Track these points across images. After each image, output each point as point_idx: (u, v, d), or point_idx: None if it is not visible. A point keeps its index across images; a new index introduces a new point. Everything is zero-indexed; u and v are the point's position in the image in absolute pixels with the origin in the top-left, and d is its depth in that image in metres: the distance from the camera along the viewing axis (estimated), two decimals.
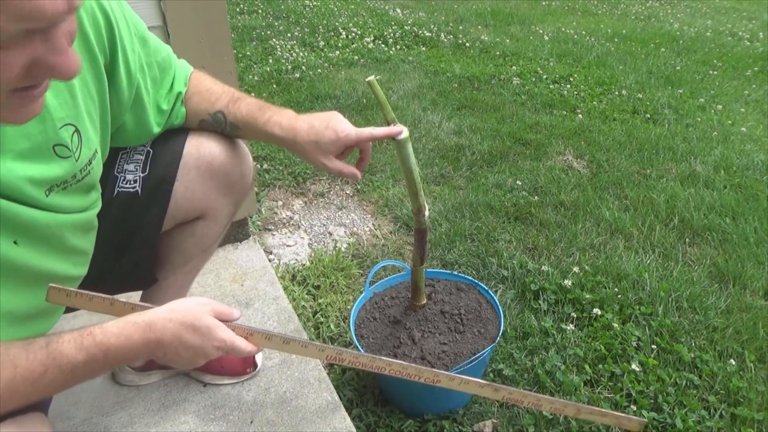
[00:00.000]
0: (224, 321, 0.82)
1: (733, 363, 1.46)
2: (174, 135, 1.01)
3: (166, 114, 0.97)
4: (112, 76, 0.83)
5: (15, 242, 0.69)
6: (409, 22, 5.00)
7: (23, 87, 0.54)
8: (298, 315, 1.55)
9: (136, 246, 1.02)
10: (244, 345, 0.83)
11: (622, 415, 0.95)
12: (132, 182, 0.98)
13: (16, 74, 0.52)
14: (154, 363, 1.27)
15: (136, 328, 0.74)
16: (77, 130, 0.75)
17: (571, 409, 0.94)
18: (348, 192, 2.31)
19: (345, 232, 2.06)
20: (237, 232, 1.80)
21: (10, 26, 0.48)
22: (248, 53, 3.94)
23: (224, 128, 1.03)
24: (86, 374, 0.72)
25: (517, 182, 2.35)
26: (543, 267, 1.79)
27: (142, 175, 0.98)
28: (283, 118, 0.99)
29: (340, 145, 0.99)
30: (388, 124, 1.02)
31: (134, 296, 1.24)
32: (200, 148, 1.01)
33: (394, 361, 0.89)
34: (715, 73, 4.01)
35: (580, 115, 3.13)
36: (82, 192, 0.81)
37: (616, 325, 1.56)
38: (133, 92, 0.88)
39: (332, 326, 1.58)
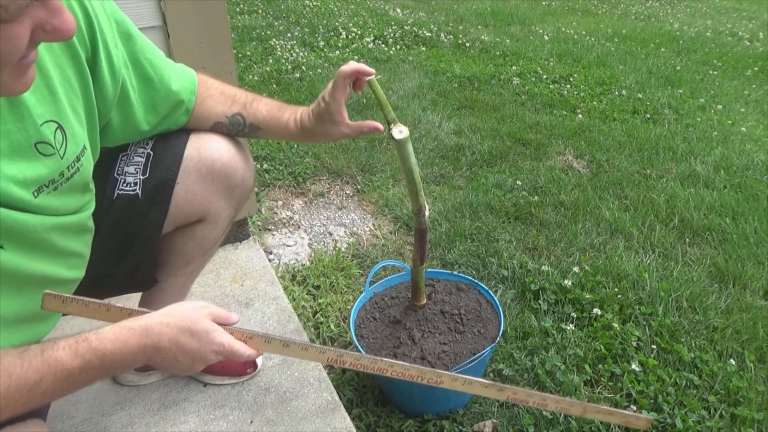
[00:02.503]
0: (222, 325, 0.81)
1: (733, 363, 1.46)
2: (174, 137, 1.01)
3: (161, 115, 0.96)
4: (94, 71, 0.82)
5: (1, 246, 0.68)
6: (409, 22, 5.00)
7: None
8: (298, 315, 1.55)
9: (137, 248, 1.02)
10: (243, 349, 0.82)
11: (630, 413, 0.94)
12: (132, 185, 0.98)
13: (25, 44, 0.53)
14: None
15: (132, 333, 0.73)
16: (60, 127, 0.74)
17: (578, 408, 0.93)
18: (348, 192, 2.31)
19: (345, 232, 2.06)
20: (237, 232, 1.80)
21: None
22: (248, 53, 3.94)
23: (242, 129, 1.05)
24: (83, 381, 0.71)
25: (517, 182, 2.35)
26: (543, 267, 1.79)
27: (142, 177, 0.98)
28: (297, 114, 1.05)
29: (336, 106, 1.01)
30: (389, 125, 1.02)
31: (134, 297, 1.24)
32: (201, 151, 1.01)
33: (396, 362, 0.88)
34: (715, 73, 4.01)
35: (580, 115, 3.13)
36: (76, 192, 0.80)
37: (616, 325, 1.56)
38: (119, 88, 0.87)
39: (332, 326, 1.58)
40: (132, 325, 0.74)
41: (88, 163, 0.82)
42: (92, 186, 0.86)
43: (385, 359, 0.87)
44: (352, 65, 0.98)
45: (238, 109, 1.03)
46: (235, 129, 1.04)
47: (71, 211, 0.80)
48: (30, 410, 0.69)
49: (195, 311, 0.79)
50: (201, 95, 1.01)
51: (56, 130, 0.73)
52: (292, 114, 1.05)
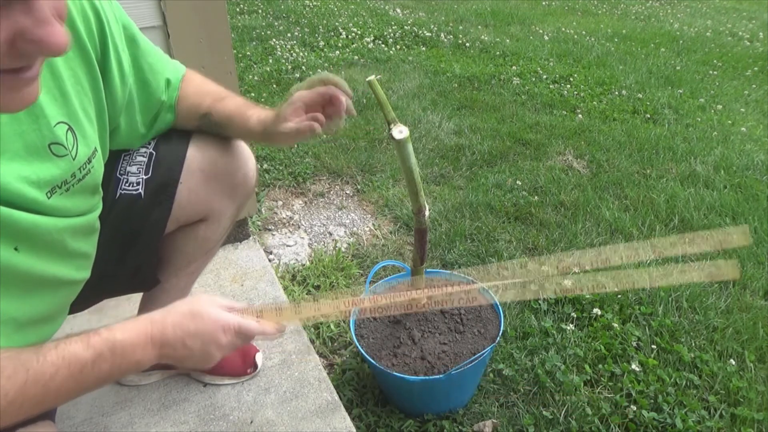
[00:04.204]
0: (231, 310, 0.83)
1: (733, 363, 1.46)
2: (177, 137, 1.01)
3: (152, 116, 0.96)
4: (105, 75, 0.82)
5: (16, 249, 0.68)
6: (409, 22, 5.00)
7: (12, 69, 0.50)
8: None
9: (139, 248, 1.02)
10: (255, 325, 0.81)
11: (721, 234, 0.79)
12: (135, 184, 0.98)
13: (1, 51, 0.48)
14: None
15: (137, 324, 0.75)
16: (71, 128, 0.74)
17: (668, 246, 0.75)
18: (348, 192, 2.31)
19: (345, 232, 2.06)
20: (237, 232, 1.80)
21: None
22: (248, 53, 3.94)
23: (211, 128, 1.02)
24: (96, 376, 0.71)
25: (517, 182, 2.35)
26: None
27: (144, 177, 0.98)
28: (262, 113, 0.98)
29: (295, 107, 0.94)
30: (389, 125, 1.02)
31: (135, 298, 1.24)
32: (204, 151, 1.01)
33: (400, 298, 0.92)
34: (715, 73, 4.01)
35: (580, 115, 3.13)
36: (87, 193, 0.80)
37: (616, 325, 1.56)
38: (127, 92, 0.87)
39: (332, 326, 1.58)
40: (138, 318, 0.76)
41: (99, 166, 0.82)
42: (101, 188, 0.86)
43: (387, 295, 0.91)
44: (333, 79, 0.93)
45: (207, 107, 0.99)
46: (206, 126, 1.01)
47: (81, 213, 0.80)
48: (44, 411, 0.69)
49: (197, 297, 0.81)
50: (181, 93, 0.99)
51: (67, 131, 0.74)
52: (258, 112, 0.99)
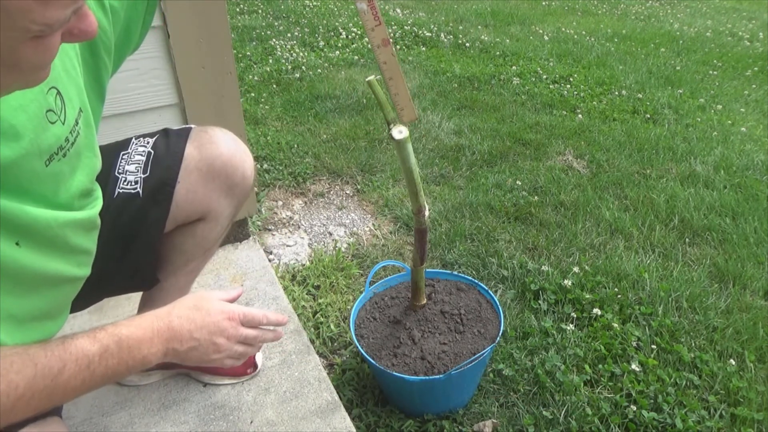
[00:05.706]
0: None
1: (733, 363, 1.46)
2: (175, 136, 1.01)
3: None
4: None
5: (17, 243, 0.68)
6: (409, 22, 5.00)
7: None
8: (298, 315, 1.55)
9: (138, 247, 1.02)
10: (258, 314, 0.84)
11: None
12: (133, 183, 0.98)
13: (57, 49, 0.56)
14: None
15: (143, 318, 0.76)
16: (59, 92, 0.74)
17: None
18: (348, 192, 2.31)
19: (345, 232, 2.06)
20: (237, 232, 1.80)
21: (65, 12, 0.52)
22: (248, 53, 3.94)
23: None
24: (103, 371, 0.72)
25: (517, 182, 2.35)
26: (543, 267, 1.79)
27: (143, 176, 0.98)
28: None
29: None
30: (389, 125, 1.02)
31: (135, 297, 1.24)
32: (201, 150, 1.01)
33: None
34: (715, 73, 4.01)
35: (580, 115, 3.13)
36: (84, 156, 0.78)
37: (616, 325, 1.56)
38: (111, 22, 0.83)
39: (332, 326, 1.58)
40: (144, 314, 0.78)
41: (87, 127, 0.80)
42: (98, 153, 0.84)
43: None
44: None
45: None
46: None
47: (83, 187, 0.78)
48: (53, 406, 0.70)
49: (199, 293, 0.84)
50: None
51: (56, 96, 0.73)
52: None
